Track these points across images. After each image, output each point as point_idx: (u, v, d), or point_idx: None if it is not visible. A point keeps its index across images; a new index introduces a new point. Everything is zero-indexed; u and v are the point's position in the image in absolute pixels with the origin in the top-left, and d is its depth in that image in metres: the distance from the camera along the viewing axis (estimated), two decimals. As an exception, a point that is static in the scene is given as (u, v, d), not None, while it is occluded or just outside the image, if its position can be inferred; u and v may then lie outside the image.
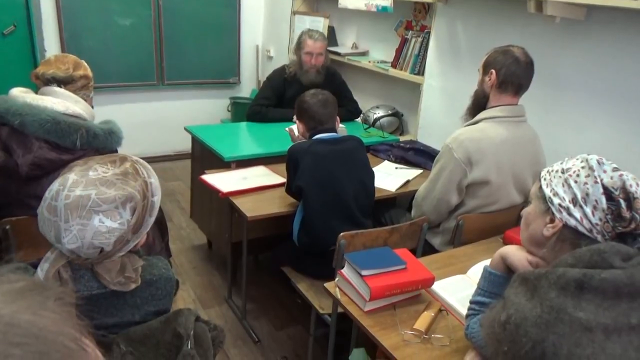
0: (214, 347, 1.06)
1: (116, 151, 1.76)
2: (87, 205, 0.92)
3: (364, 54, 3.66)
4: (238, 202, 2.14)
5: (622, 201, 0.95)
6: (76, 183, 0.94)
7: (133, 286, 1.04)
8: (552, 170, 1.08)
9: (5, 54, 3.63)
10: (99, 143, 1.68)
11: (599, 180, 0.98)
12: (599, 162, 1.00)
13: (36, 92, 1.72)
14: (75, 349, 0.37)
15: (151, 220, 1.05)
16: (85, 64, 1.81)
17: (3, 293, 0.37)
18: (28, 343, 0.34)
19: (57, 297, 0.39)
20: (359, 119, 3.35)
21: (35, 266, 1.00)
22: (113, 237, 0.96)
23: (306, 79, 3.11)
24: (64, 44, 3.81)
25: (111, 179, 0.97)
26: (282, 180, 2.28)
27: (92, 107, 1.85)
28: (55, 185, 0.95)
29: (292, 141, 2.29)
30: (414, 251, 1.90)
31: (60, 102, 1.67)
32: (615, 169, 0.99)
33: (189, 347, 1.00)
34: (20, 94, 1.66)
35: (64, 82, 1.72)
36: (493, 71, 1.90)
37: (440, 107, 2.94)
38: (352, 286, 1.44)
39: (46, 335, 0.36)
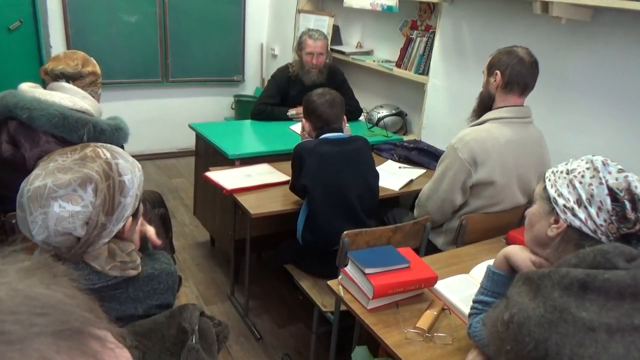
0: (219, 342, 1.07)
1: (122, 147, 1.77)
2: (44, 194, 0.93)
3: (368, 53, 3.67)
4: (242, 199, 2.15)
5: (627, 202, 0.96)
6: (36, 177, 0.96)
7: (133, 272, 1.03)
8: (557, 171, 1.08)
9: (11, 49, 3.65)
10: (106, 139, 1.69)
11: (603, 181, 0.98)
12: (604, 164, 1.01)
13: (44, 88, 1.73)
14: (92, 318, 0.38)
15: (127, 202, 1.02)
16: (94, 61, 1.83)
17: (16, 271, 0.38)
18: (49, 313, 0.36)
19: (63, 275, 0.41)
20: (362, 118, 3.35)
21: None
22: (78, 220, 0.95)
23: (308, 80, 3.10)
24: (70, 40, 3.83)
25: (68, 165, 0.97)
26: (286, 178, 2.29)
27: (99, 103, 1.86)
28: (22, 184, 0.98)
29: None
30: (416, 250, 1.90)
31: (68, 97, 1.68)
32: (620, 170, 1.00)
33: (194, 341, 1.01)
34: (29, 88, 1.67)
35: (73, 78, 1.73)
36: (498, 72, 1.90)
37: (444, 107, 2.95)
38: (355, 284, 1.44)
39: (63, 307, 0.37)
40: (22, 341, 0.33)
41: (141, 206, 1.12)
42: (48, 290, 0.37)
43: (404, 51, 3.18)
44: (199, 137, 2.90)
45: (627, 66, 2.04)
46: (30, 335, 0.34)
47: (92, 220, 0.97)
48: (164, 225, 2.27)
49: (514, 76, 1.88)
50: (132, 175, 1.05)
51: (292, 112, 3.13)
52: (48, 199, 0.93)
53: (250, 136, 3.06)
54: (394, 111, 3.29)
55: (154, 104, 4.40)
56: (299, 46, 3.14)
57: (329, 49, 3.26)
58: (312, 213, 2.03)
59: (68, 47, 3.82)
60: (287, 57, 4.26)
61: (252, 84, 4.82)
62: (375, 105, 3.38)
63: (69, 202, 0.94)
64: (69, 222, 0.95)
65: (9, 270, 0.38)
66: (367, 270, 1.41)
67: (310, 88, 3.03)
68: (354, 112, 3.27)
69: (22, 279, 0.37)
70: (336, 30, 3.87)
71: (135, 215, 1.09)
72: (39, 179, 0.95)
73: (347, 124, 2.31)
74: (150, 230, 1.19)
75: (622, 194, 0.96)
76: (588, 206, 0.99)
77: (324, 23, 3.82)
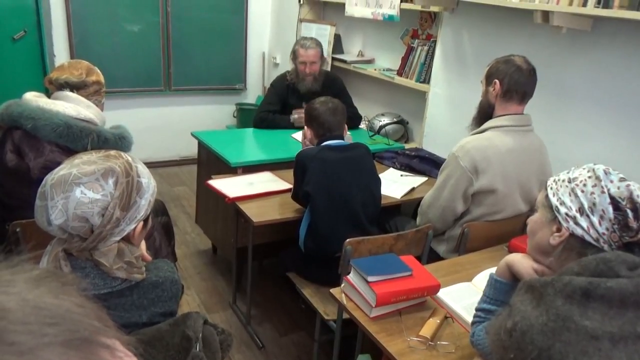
0: (222, 351, 1.07)
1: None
2: (68, 180, 0.98)
3: (370, 61, 3.69)
4: (244, 207, 2.15)
5: (629, 211, 0.96)
6: (61, 168, 1.02)
7: (139, 277, 1.06)
8: (559, 180, 1.09)
9: (16, 59, 3.67)
10: (110, 148, 1.68)
11: (605, 190, 0.99)
12: (605, 172, 1.01)
13: (49, 97, 1.74)
14: (101, 327, 0.38)
15: (142, 203, 1.06)
16: (98, 70, 1.84)
17: (24, 280, 0.38)
18: (59, 323, 0.36)
19: (71, 283, 0.41)
20: (364, 126, 3.36)
21: None
22: (96, 207, 0.99)
23: (303, 87, 3.12)
24: (73, 49, 3.86)
25: (93, 159, 1.04)
26: (288, 186, 2.30)
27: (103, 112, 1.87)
28: (45, 177, 1.03)
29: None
30: (419, 258, 1.90)
31: (72, 106, 1.69)
32: (622, 179, 1.00)
33: (198, 349, 1.01)
34: (34, 98, 1.69)
35: (77, 87, 1.75)
36: (497, 81, 1.92)
37: (445, 115, 2.96)
38: (358, 292, 1.45)
39: (72, 316, 0.37)
40: (32, 351, 0.33)
41: (150, 217, 1.13)
42: (57, 299, 0.37)
43: (405, 60, 3.20)
44: (201, 145, 2.92)
45: (628, 75, 2.05)
46: (41, 345, 0.34)
47: (109, 212, 1.00)
48: (167, 233, 2.27)
49: (512, 84, 1.90)
50: (149, 180, 1.10)
51: (294, 116, 3.14)
52: (72, 184, 0.98)
53: (253, 144, 3.08)
54: (395, 119, 3.30)
55: (156, 112, 4.42)
56: (293, 55, 3.17)
57: (323, 55, 3.27)
58: (314, 220, 2.03)
59: (72, 57, 3.85)
60: (288, 65, 4.27)
61: (254, 92, 4.84)
62: (376, 114, 3.40)
63: (90, 189, 0.99)
64: (88, 207, 0.99)
65: (18, 280, 0.38)
66: (369, 278, 1.41)
67: (306, 95, 3.06)
68: (353, 119, 3.27)
69: (31, 289, 0.37)
70: (338, 39, 3.89)
71: (145, 223, 1.11)
72: (64, 169, 1.01)
73: (347, 132, 2.33)
74: (142, 245, 1.21)
75: (624, 203, 0.97)
76: (590, 215, 1.00)
77: (325, 32, 3.84)
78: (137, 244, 1.11)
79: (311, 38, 3.20)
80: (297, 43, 3.17)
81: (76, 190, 0.98)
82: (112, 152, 1.08)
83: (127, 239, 1.07)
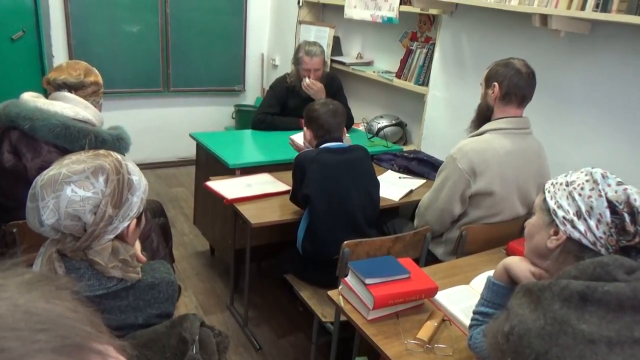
0: (219, 353, 1.07)
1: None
2: (58, 179, 0.98)
3: (368, 64, 3.69)
4: (242, 209, 2.15)
5: (626, 215, 0.96)
6: (51, 169, 1.02)
7: (134, 276, 1.05)
8: (557, 183, 1.09)
9: (14, 59, 3.67)
10: (107, 149, 1.68)
11: (603, 193, 0.99)
12: (603, 176, 1.02)
13: (47, 97, 1.74)
14: (93, 333, 0.38)
15: (134, 200, 1.06)
16: (96, 71, 1.84)
17: (16, 285, 0.38)
18: (50, 329, 0.35)
19: (65, 287, 0.40)
20: (362, 128, 3.36)
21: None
22: (88, 205, 0.99)
23: (305, 92, 3.11)
24: (72, 50, 3.85)
25: (82, 159, 1.04)
26: (287, 187, 2.30)
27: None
28: (35, 179, 1.03)
29: (295, 150, 2.31)
30: (417, 261, 1.90)
31: (70, 107, 1.69)
32: (619, 183, 1.00)
33: (194, 351, 1.01)
34: (32, 98, 1.68)
35: (75, 87, 1.75)
36: (496, 84, 1.92)
37: (444, 118, 2.96)
38: (355, 294, 1.44)
39: (64, 321, 0.37)
40: (22, 358, 0.33)
41: (143, 216, 1.13)
42: (49, 304, 0.37)
43: (404, 62, 3.20)
44: (200, 147, 2.91)
45: (626, 78, 2.06)
46: (31, 351, 0.33)
47: (101, 210, 1.00)
48: (164, 234, 2.27)
49: (511, 87, 1.90)
50: (140, 177, 1.10)
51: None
52: (62, 183, 0.98)
53: (251, 146, 3.07)
54: (394, 121, 3.30)
55: (155, 113, 4.42)
56: (296, 60, 3.13)
57: (325, 60, 3.26)
58: (313, 222, 2.03)
59: (70, 57, 3.84)
60: (287, 67, 4.27)
61: (252, 94, 4.85)
62: (375, 116, 3.40)
63: (81, 187, 0.99)
64: (80, 205, 0.98)
65: (9, 284, 0.38)
66: (367, 281, 1.41)
67: (308, 99, 3.03)
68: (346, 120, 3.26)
69: (22, 294, 0.37)
70: (337, 41, 3.90)
71: (139, 220, 1.10)
72: (53, 170, 1.00)
73: (347, 134, 2.33)
74: (137, 245, 1.21)
75: (621, 207, 0.97)
76: (587, 218, 1.00)
77: (324, 34, 3.84)
78: (131, 242, 1.10)
79: (315, 43, 3.16)
80: (302, 49, 3.11)
81: (66, 189, 0.98)
82: (102, 151, 1.08)
83: (121, 238, 1.07)
